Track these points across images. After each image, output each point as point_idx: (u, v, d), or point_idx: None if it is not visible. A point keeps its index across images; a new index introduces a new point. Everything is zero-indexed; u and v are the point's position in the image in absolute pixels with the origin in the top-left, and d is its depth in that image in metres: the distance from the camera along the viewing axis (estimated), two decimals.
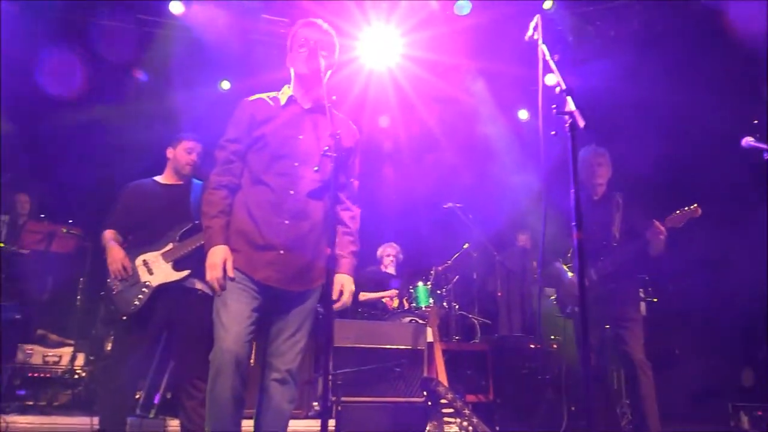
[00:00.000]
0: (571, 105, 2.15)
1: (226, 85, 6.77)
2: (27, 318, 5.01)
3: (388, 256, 6.01)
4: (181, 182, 3.82)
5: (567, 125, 2.15)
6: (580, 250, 2.06)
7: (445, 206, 5.67)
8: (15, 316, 4.74)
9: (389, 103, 6.51)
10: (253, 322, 2.56)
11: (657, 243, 3.68)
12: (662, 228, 3.63)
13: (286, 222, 2.62)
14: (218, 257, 2.57)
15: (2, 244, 4.83)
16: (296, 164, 2.66)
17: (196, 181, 3.86)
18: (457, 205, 5.64)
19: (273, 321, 2.69)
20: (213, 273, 2.57)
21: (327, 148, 2.40)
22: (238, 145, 2.72)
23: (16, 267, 5.30)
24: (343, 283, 2.70)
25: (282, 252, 2.61)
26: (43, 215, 6.12)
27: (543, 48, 2.42)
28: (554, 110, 2.18)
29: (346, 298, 2.70)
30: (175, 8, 5.85)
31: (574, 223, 2.11)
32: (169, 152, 3.86)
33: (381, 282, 5.56)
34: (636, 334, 3.76)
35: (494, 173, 6.71)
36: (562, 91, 2.20)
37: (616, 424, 4.30)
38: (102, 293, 3.65)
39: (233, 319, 2.52)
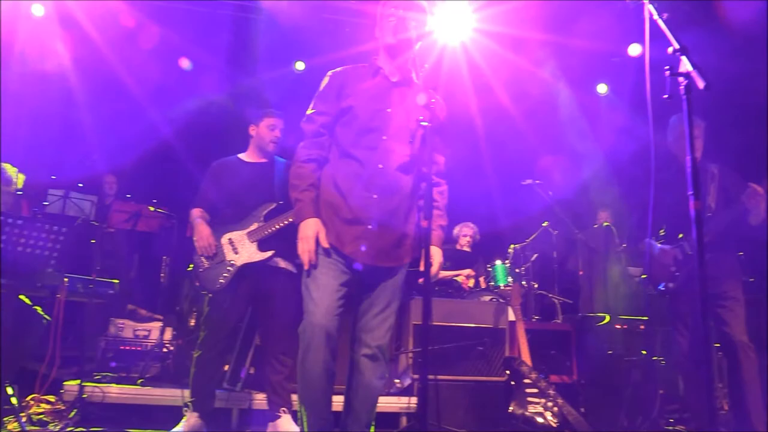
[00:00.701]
0: (687, 65, 1.97)
1: (300, 65, 6.76)
2: (118, 293, 5.19)
3: (465, 236, 5.91)
4: (264, 160, 3.84)
5: (682, 87, 1.97)
6: (697, 221, 1.90)
7: (523, 183, 5.50)
8: (109, 292, 4.91)
9: (463, 78, 6.35)
10: (342, 296, 2.54)
11: (756, 208, 3.41)
12: (760, 189, 3.37)
13: (375, 196, 2.57)
14: (310, 230, 2.56)
15: (95, 224, 4.98)
16: (385, 138, 2.61)
17: (278, 159, 3.87)
18: (536, 182, 5.45)
19: (362, 296, 2.67)
20: (305, 245, 2.55)
21: (422, 117, 2.31)
22: (326, 117, 2.69)
23: (106, 245, 5.49)
24: (432, 255, 2.66)
25: (370, 227, 2.57)
26: (129, 195, 6.33)
27: (650, 8, 2.23)
28: (668, 72, 2.00)
29: (436, 269, 2.67)
30: None
31: (690, 192, 1.94)
32: (252, 130, 3.87)
33: (456, 261, 5.47)
34: (737, 314, 3.51)
35: (573, 149, 6.46)
36: (675, 50, 2.02)
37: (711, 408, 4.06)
38: (189, 269, 3.71)
39: (323, 292, 2.51)
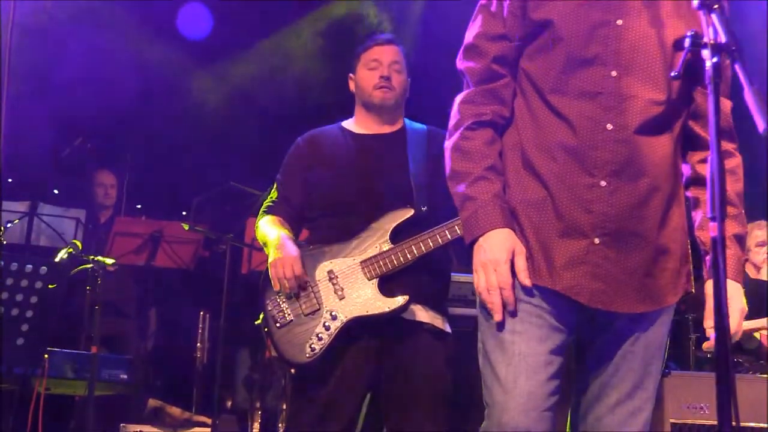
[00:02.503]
0: None
1: None
2: (132, 378, 5.45)
3: (761, 246, 5.79)
4: (386, 128, 3.95)
5: None
6: None
7: None
8: (120, 377, 5.17)
9: None
10: (555, 374, 2.57)
11: None
12: None
13: (603, 184, 2.58)
14: (501, 250, 2.58)
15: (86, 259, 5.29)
16: (615, 74, 2.62)
17: (413, 124, 3.97)
18: None
19: (587, 371, 2.70)
20: (492, 278, 2.57)
21: (691, 33, 2.28)
22: (505, 43, 2.72)
23: (106, 293, 5.76)
24: (728, 295, 2.59)
25: (597, 241, 2.58)
26: (139, 206, 6.68)
27: None
28: None
29: (735, 324, 2.63)
30: None
31: None
32: (351, 81, 4.02)
33: (750, 299, 5.34)
34: None
35: None
36: None
37: None
38: (257, 323, 3.85)
39: (519, 367, 2.54)
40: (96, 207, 6.80)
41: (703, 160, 2.72)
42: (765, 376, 5.16)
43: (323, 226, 3.86)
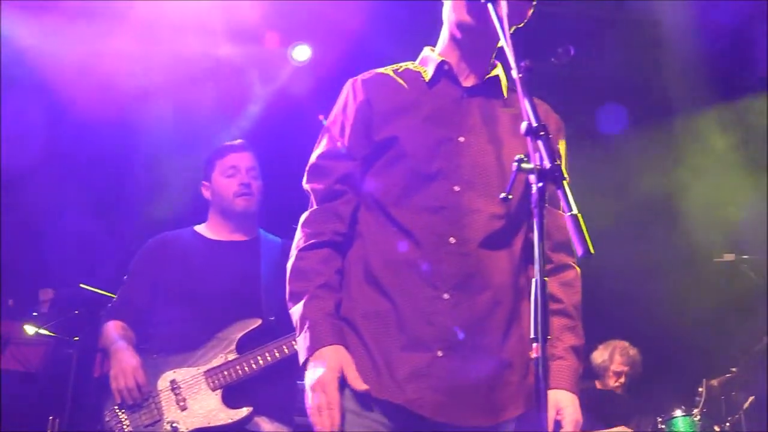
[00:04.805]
0: None
1: (302, 53, 6.84)
2: None
3: (618, 365, 5.97)
4: (242, 237, 3.96)
5: None
6: None
7: (719, 260, 5.50)
8: None
9: None
10: None
11: None
12: None
13: (446, 297, 2.61)
14: (329, 368, 2.57)
15: None
16: (457, 189, 2.67)
17: (267, 235, 3.99)
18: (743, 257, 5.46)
19: None
20: (320, 397, 2.55)
21: (518, 158, 2.35)
22: (348, 162, 2.77)
23: None
24: (561, 407, 2.64)
25: (441, 354, 2.59)
26: None
27: None
28: None
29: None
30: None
31: None
32: (205, 189, 4.04)
33: (600, 412, 5.45)
34: None
35: None
36: None
37: None
38: None
39: None
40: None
41: (549, 271, 2.77)
42: None
43: (169, 332, 3.82)
